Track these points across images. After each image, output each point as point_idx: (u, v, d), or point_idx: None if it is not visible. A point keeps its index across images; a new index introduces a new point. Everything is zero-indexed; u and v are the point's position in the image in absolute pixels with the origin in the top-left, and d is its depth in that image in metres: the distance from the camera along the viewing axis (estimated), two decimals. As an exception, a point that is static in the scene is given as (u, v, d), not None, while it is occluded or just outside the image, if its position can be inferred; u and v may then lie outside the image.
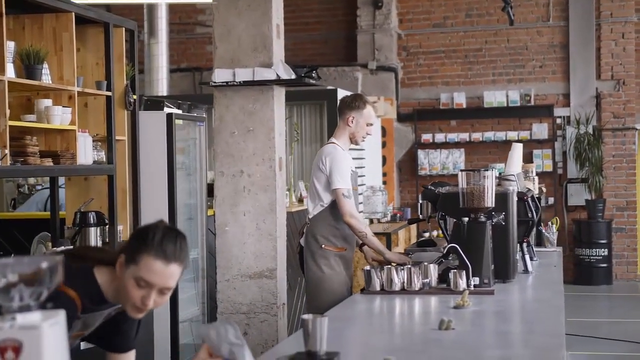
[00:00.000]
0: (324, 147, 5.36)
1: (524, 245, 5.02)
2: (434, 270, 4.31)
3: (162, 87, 10.11)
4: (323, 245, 5.16)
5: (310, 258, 5.20)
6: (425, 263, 4.35)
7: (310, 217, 5.28)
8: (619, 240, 12.39)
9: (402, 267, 4.26)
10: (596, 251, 12.05)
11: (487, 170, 4.41)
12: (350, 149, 5.35)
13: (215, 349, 2.47)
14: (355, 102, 5.30)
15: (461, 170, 4.44)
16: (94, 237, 5.54)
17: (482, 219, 4.37)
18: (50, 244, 5.53)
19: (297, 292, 7.19)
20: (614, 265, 12.28)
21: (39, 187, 8.55)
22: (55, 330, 1.79)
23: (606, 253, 12.07)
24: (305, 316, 2.69)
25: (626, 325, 9.45)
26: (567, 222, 12.52)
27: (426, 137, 12.76)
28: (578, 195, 12.39)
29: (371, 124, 5.33)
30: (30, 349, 1.74)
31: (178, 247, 2.54)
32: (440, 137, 12.71)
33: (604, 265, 12.09)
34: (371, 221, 10.08)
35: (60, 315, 1.82)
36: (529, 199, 5.05)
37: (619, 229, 12.39)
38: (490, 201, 4.37)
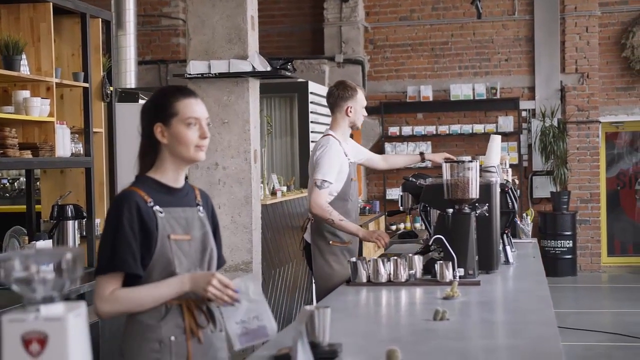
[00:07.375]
0: (320, 139, 5.29)
1: (505, 236, 5.05)
2: (418, 262, 4.32)
3: (130, 80, 9.98)
4: (331, 242, 5.13)
5: (318, 254, 5.15)
6: (410, 254, 4.36)
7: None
8: (583, 232, 12.54)
9: (388, 259, 4.27)
10: (561, 243, 12.19)
11: (472, 161, 4.43)
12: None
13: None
14: (348, 91, 5.31)
15: (445, 161, 4.45)
16: (72, 230, 5.46)
17: (467, 210, 4.39)
18: (26, 237, 5.45)
19: (271, 286, 7.17)
20: (579, 256, 12.43)
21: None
22: (80, 321, 1.77)
23: (571, 245, 12.22)
24: (309, 307, 2.69)
25: (591, 316, 9.57)
26: (532, 214, 12.65)
27: (393, 130, 12.79)
28: (543, 188, 12.52)
29: (365, 105, 5.44)
30: (56, 341, 1.73)
31: (186, 87, 2.95)
32: (407, 130, 12.75)
33: (569, 256, 12.24)
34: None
35: (82, 307, 1.80)
36: (510, 190, 5.09)
37: (583, 221, 12.54)
38: (474, 192, 4.38)
